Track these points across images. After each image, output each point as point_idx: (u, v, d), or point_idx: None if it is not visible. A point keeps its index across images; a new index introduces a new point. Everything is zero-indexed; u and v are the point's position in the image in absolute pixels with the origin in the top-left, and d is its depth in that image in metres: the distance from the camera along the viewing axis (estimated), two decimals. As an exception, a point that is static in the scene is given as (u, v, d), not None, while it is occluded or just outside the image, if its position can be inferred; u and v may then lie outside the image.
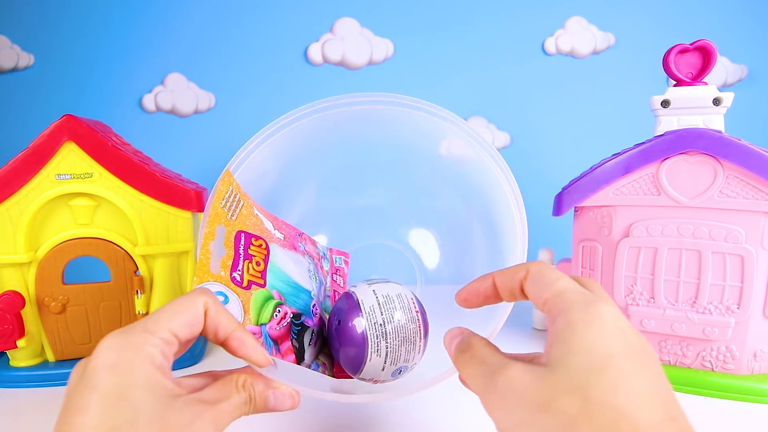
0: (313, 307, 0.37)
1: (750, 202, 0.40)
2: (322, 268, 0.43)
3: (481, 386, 0.22)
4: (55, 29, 0.72)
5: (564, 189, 0.48)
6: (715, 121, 0.43)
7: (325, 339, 0.37)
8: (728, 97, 0.42)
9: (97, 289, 0.46)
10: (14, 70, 0.72)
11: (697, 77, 0.43)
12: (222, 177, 0.34)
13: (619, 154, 0.45)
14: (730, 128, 0.44)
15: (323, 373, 0.35)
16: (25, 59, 0.71)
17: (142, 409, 0.19)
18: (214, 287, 0.29)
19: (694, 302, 0.43)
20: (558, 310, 0.21)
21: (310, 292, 0.38)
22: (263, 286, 0.32)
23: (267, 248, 0.35)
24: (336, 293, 0.44)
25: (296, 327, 0.34)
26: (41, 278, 0.44)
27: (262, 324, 0.31)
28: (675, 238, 0.43)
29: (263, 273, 0.33)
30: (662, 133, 0.44)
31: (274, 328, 0.31)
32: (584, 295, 0.21)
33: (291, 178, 0.44)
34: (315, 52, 0.76)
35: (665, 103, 0.44)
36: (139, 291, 0.46)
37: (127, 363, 0.20)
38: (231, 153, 0.80)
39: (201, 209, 0.49)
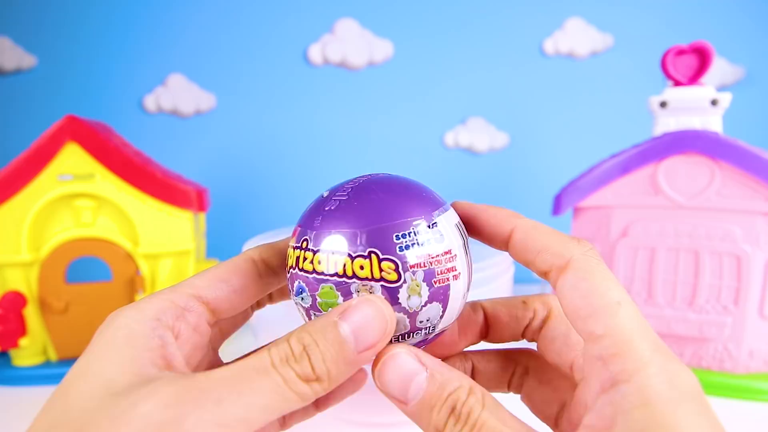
0: None
1: (747, 202, 0.41)
2: None
3: None
4: (57, 31, 0.73)
5: (563, 189, 0.48)
6: (712, 122, 0.43)
7: None
8: (726, 98, 0.42)
9: (99, 288, 0.46)
10: (17, 71, 0.72)
11: (695, 78, 0.43)
12: None
13: (617, 154, 0.45)
14: (728, 129, 0.44)
15: None
16: (28, 60, 0.72)
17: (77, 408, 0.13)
18: None
19: (692, 302, 0.43)
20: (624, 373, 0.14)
21: None
22: None
23: None
24: None
25: None
26: (44, 278, 0.45)
27: None
28: (672, 238, 0.43)
29: None
30: (660, 134, 0.44)
31: None
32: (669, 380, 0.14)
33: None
34: (315, 53, 0.77)
35: (663, 104, 0.44)
36: (140, 290, 0.46)
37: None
38: (232, 153, 0.81)
39: (202, 209, 0.50)
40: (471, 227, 0.19)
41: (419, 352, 0.16)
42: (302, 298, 0.17)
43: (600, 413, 0.14)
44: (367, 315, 0.15)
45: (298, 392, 0.14)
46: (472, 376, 0.20)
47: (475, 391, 0.15)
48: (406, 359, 0.16)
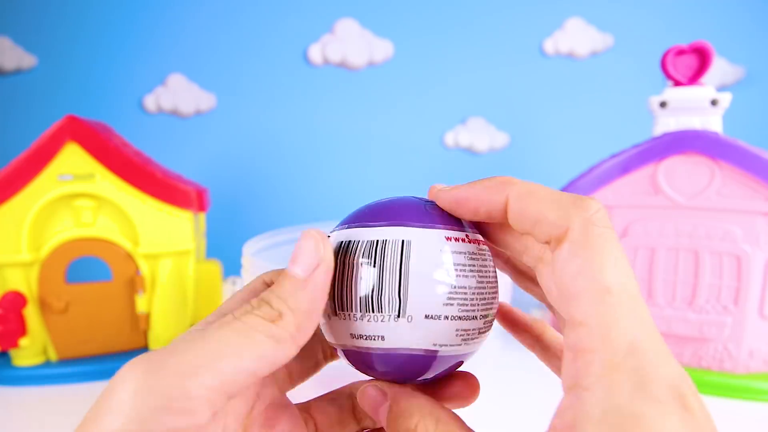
0: None
1: (747, 202, 0.41)
2: None
3: None
4: (57, 31, 0.73)
5: (562, 189, 0.48)
6: (712, 122, 0.43)
7: None
8: (726, 98, 0.42)
9: (99, 288, 0.46)
10: (17, 71, 0.72)
11: (695, 78, 0.43)
12: None
13: (617, 154, 0.45)
14: (728, 129, 0.44)
15: None
16: (28, 60, 0.72)
17: None
18: None
19: (692, 302, 0.43)
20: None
21: None
22: None
23: None
24: None
25: None
26: (44, 278, 0.45)
27: None
28: (672, 238, 0.43)
29: None
30: (660, 134, 0.44)
31: None
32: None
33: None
34: (315, 53, 0.77)
35: (663, 104, 0.44)
36: (140, 291, 0.46)
37: None
38: (232, 153, 0.81)
39: (202, 209, 0.50)
40: (465, 211, 0.17)
41: (386, 385, 0.17)
42: None
43: (562, 416, 0.13)
44: (305, 245, 0.16)
45: (269, 334, 0.15)
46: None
47: (426, 423, 0.16)
48: (371, 391, 0.17)
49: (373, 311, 0.16)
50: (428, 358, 0.16)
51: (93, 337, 0.47)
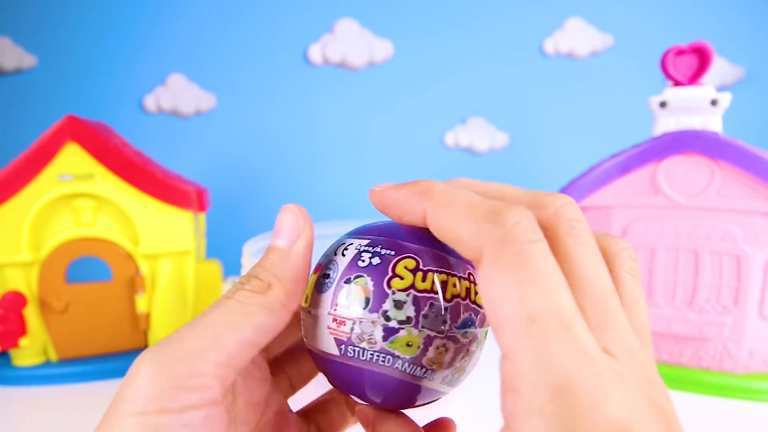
0: None
1: (747, 202, 0.41)
2: None
3: None
4: (57, 31, 0.73)
5: (562, 189, 0.48)
6: (712, 122, 0.43)
7: None
8: (726, 98, 0.42)
9: (99, 288, 0.46)
10: (17, 71, 0.72)
11: (695, 78, 0.43)
12: None
13: (617, 154, 0.45)
14: (728, 129, 0.44)
15: None
16: (28, 60, 0.72)
17: None
18: None
19: (691, 302, 0.43)
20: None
21: None
22: None
23: None
24: None
25: None
26: (44, 278, 0.45)
27: None
28: (672, 238, 0.43)
29: None
30: (660, 134, 0.44)
31: None
32: None
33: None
34: (315, 53, 0.77)
35: (663, 104, 0.44)
36: (140, 291, 0.46)
37: None
38: (232, 153, 0.81)
39: (202, 209, 0.50)
40: (393, 216, 0.16)
41: (368, 409, 0.18)
42: (465, 333, 0.16)
43: None
44: (285, 218, 0.16)
45: (261, 305, 0.15)
46: None
47: None
48: (361, 411, 0.18)
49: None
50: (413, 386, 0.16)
51: (93, 337, 0.47)
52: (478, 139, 0.80)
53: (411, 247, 0.16)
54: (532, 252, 0.12)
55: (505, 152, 0.80)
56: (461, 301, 0.15)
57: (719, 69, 0.76)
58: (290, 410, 0.20)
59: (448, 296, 0.15)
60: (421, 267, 0.15)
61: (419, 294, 0.15)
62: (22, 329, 0.44)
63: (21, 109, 0.73)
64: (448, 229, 0.14)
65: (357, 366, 0.16)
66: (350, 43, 0.77)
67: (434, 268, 0.15)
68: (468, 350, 0.16)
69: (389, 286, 0.15)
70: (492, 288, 0.12)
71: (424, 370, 0.16)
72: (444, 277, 0.15)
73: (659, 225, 0.43)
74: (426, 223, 0.15)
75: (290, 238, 0.16)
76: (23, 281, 0.44)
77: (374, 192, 0.16)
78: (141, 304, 0.47)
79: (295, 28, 0.77)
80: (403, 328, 0.15)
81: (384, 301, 0.15)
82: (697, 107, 0.43)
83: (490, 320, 0.12)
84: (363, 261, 0.16)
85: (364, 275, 0.16)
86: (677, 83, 0.44)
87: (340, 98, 0.79)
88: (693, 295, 0.43)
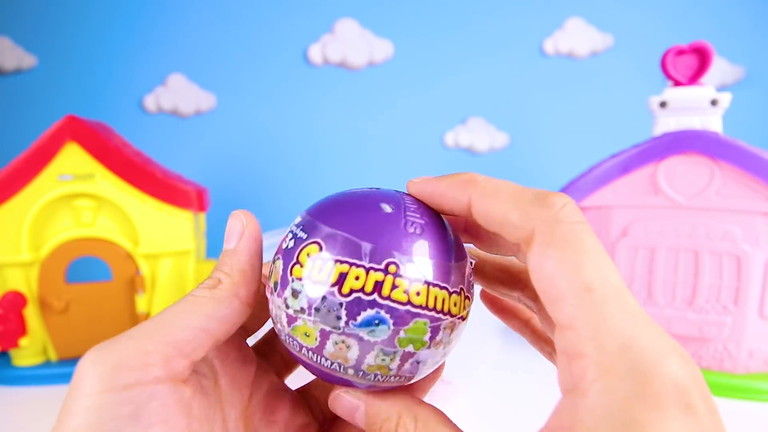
0: None
1: (747, 202, 0.41)
2: None
3: None
4: (57, 31, 0.73)
5: (562, 189, 0.48)
6: (712, 122, 0.43)
7: None
8: (726, 98, 0.42)
9: (99, 288, 0.46)
10: (17, 71, 0.72)
11: (695, 78, 0.43)
12: None
13: (617, 154, 0.45)
14: (728, 129, 0.44)
15: None
16: (28, 60, 0.72)
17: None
18: None
19: (691, 302, 0.43)
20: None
21: None
22: None
23: None
24: None
25: None
26: (44, 278, 0.45)
27: None
28: (672, 238, 0.43)
29: None
30: (660, 134, 0.44)
31: None
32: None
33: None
34: (315, 53, 0.77)
35: (663, 104, 0.44)
36: (140, 291, 0.46)
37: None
38: (232, 153, 0.81)
39: (202, 209, 0.50)
40: (434, 206, 0.17)
41: (358, 392, 0.17)
42: (372, 332, 0.14)
43: (558, 418, 0.12)
44: (231, 223, 0.18)
45: (211, 296, 0.16)
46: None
47: (405, 423, 0.15)
48: (344, 397, 0.17)
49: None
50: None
51: (93, 337, 0.47)
52: (478, 139, 0.80)
53: (324, 230, 0.15)
54: (582, 230, 0.13)
55: (505, 152, 0.80)
56: (364, 297, 0.14)
57: (719, 69, 0.75)
58: (286, 389, 0.20)
59: (346, 290, 0.14)
60: (320, 255, 0.14)
61: (314, 284, 0.14)
62: (22, 329, 0.44)
63: (21, 109, 0.73)
64: (496, 212, 0.14)
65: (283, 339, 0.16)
66: (350, 43, 0.77)
67: (338, 257, 0.14)
68: (383, 350, 0.14)
69: (291, 273, 0.15)
70: (547, 264, 0.13)
71: (330, 363, 0.15)
72: (345, 268, 0.14)
73: (659, 225, 0.43)
74: (470, 211, 0.15)
75: (236, 239, 0.18)
76: (23, 281, 0.44)
77: (413, 183, 0.17)
78: (141, 304, 0.47)
79: (295, 28, 0.77)
80: (299, 318, 0.15)
81: (285, 288, 0.15)
82: (697, 107, 0.43)
83: (544, 296, 0.13)
84: (285, 242, 0.16)
85: (280, 258, 0.16)
86: (677, 83, 0.44)
87: (340, 98, 0.79)
88: (693, 295, 0.43)
